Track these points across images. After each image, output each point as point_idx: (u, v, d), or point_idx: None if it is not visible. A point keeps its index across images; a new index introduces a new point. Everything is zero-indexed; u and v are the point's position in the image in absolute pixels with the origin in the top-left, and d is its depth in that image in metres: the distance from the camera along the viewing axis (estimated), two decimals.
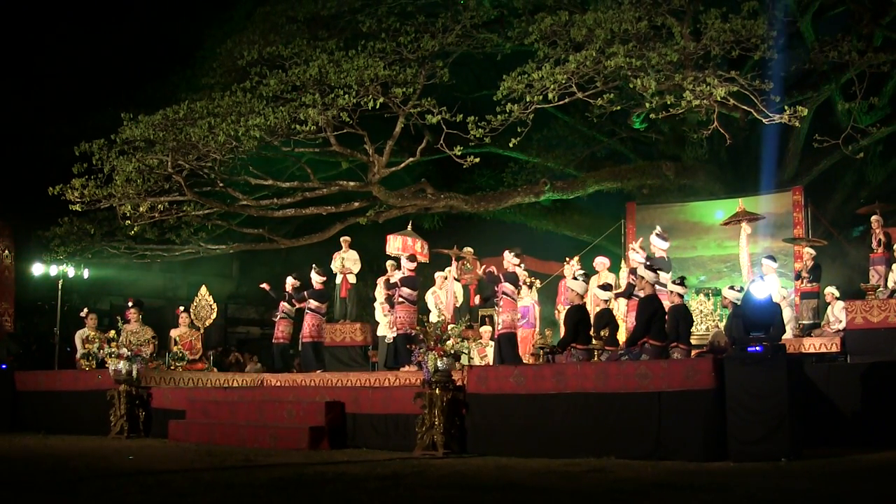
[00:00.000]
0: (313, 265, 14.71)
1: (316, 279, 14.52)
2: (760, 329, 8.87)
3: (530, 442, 9.55)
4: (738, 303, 10.90)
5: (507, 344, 12.29)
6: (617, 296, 12.41)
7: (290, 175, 17.45)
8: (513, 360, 11.94)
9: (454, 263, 15.39)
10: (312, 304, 14.42)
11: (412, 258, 13.75)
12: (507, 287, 12.22)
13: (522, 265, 13.24)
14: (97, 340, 14.51)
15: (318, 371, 13.84)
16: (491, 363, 13.67)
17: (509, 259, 12.63)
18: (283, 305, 14.75)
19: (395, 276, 13.85)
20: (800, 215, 16.04)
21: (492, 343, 14.23)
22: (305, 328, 14.41)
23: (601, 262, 13.78)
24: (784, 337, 12.13)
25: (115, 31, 22.75)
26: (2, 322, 16.74)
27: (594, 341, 10.75)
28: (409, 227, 15.41)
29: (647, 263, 11.49)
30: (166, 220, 16.50)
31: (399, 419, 10.52)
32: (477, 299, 14.61)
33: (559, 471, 8.04)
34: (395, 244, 14.84)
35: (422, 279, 14.14)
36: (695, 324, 12.42)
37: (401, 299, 13.14)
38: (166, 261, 19.27)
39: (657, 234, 12.78)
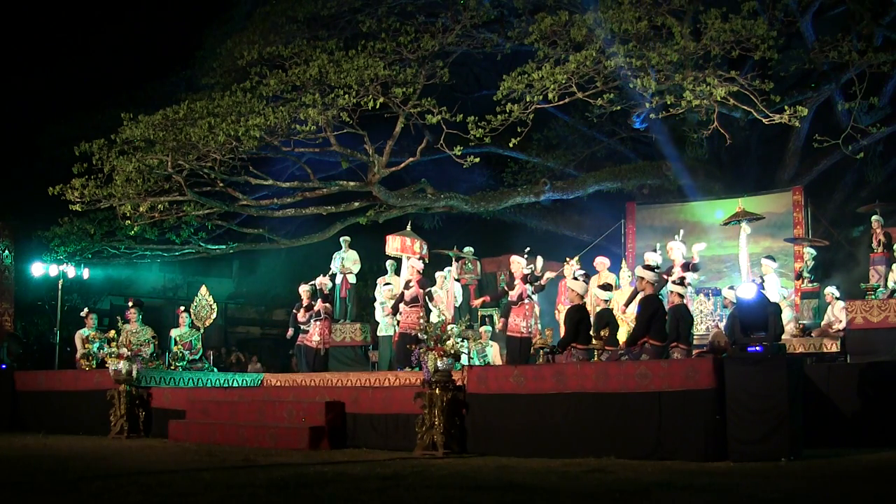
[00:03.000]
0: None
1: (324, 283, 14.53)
2: (756, 329, 8.87)
3: (530, 442, 9.55)
4: None
5: (510, 345, 12.38)
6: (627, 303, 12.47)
7: (290, 175, 17.45)
8: (514, 363, 12.00)
9: (454, 263, 15.40)
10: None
11: (420, 260, 13.82)
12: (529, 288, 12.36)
13: (524, 264, 13.25)
14: (97, 340, 14.53)
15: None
16: (490, 363, 13.71)
17: (519, 262, 12.70)
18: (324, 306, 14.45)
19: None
20: (800, 215, 16.03)
21: (491, 343, 14.27)
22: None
23: (601, 262, 13.79)
24: (784, 337, 12.13)
25: (115, 31, 22.79)
26: (2, 322, 16.74)
27: (594, 341, 10.75)
28: (409, 227, 15.44)
29: (651, 265, 11.49)
30: (166, 220, 16.51)
31: (399, 419, 10.52)
32: (478, 301, 14.59)
33: (559, 471, 8.04)
34: (393, 244, 14.86)
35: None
36: (695, 324, 12.41)
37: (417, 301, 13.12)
38: (166, 261, 19.29)
39: (679, 240, 12.78)
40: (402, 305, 13.24)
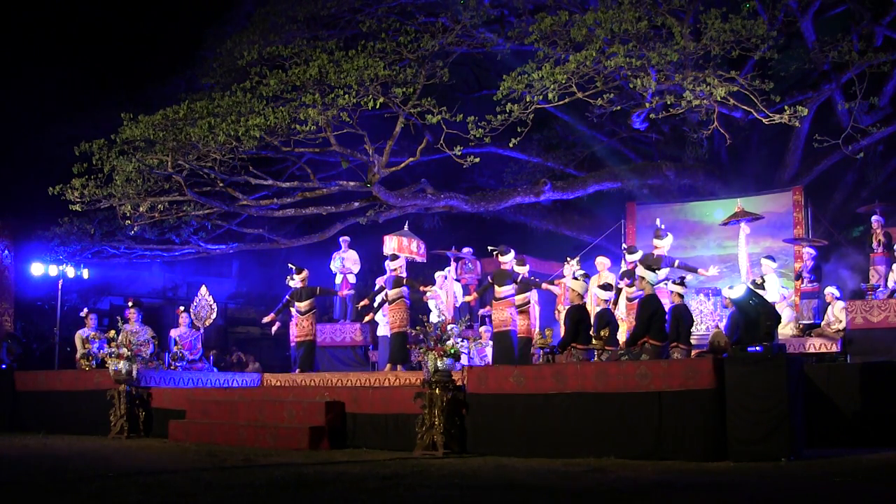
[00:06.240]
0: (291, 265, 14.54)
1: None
2: (752, 326, 8.88)
3: (530, 442, 9.56)
4: None
5: (496, 343, 12.56)
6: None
7: (289, 175, 17.44)
8: (504, 361, 12.09)
9: (453, 263, 15.40)
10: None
11: (394, 257, 13.77)
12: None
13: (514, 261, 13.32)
14: (97, 339, 14.53)
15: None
16: (490, 363, 13.74)
17: (508, 261, 12.81)
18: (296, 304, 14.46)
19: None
20: (800, 215, 16.01)
21: (491, 343, 14.28)
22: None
23: (601, 262, 13.80)
24: (784, 337, 12.13)
25: (115, 30, 22.78)
26: (2, 322, 16.74)
27: (594, 341, 10.75)
28: (406, 227, 15.41)
29: (644, 262, 11.52)
30: (166, 220, 16.51)
31: (399, 419, 10.52)
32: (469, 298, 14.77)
33: (559, 471, 8.04)
34: (391, 244, 14.83)
35: (418, 277, 14.11)
36: (695, 324, 12.42)
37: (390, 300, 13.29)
38: (166, 261, 19.28)
39: (654, 235, 12.91)
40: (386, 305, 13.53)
